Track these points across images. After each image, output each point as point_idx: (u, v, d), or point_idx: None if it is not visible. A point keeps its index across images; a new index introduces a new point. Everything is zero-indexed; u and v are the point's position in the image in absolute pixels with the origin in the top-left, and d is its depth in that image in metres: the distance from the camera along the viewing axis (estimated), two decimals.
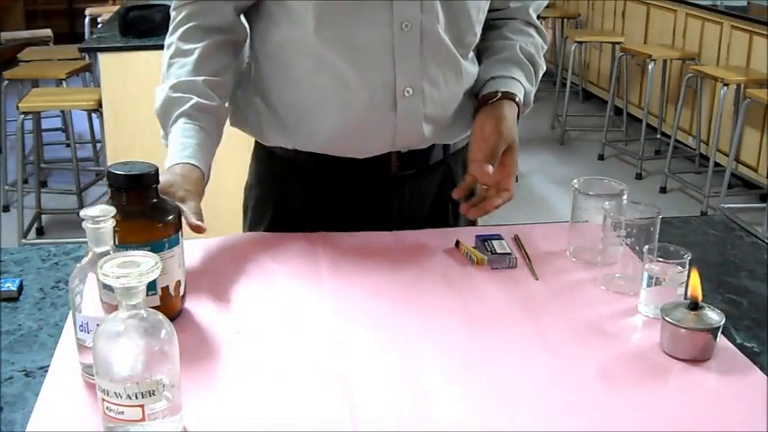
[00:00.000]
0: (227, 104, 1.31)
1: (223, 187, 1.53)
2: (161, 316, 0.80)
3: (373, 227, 1.33)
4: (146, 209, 1.00)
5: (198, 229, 1.09)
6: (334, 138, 1.31)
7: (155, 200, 1.01)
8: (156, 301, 1.00)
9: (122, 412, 0.77)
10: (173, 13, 1.32)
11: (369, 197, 1.38)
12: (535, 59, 1.40)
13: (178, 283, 1.03)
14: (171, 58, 1.29)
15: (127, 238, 0.95)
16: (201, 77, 1.26)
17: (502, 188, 1.30)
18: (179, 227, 1.03)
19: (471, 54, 1.37)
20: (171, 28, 1.31)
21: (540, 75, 1.43)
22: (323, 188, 1.38)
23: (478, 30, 1.35)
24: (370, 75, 1.27)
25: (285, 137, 1.34)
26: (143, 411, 0.77)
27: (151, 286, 0.98)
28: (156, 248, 0.98)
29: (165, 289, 1.01)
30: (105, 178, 1.01)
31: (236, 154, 1.58)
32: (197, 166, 1.19)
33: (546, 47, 1.45)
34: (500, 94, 1.33)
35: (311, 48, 1.26)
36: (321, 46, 1.25)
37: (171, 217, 1.02)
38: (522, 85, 1.37)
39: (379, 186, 1.38)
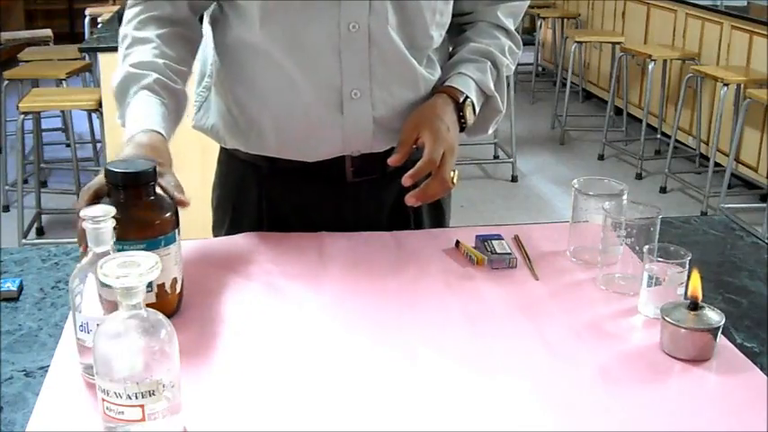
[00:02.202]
0: (186, 91, 1.27)
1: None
2: (161, 316, 0.80)
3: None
4: (143, 206, 1.01)
5: (182, 204, 1.04)
6: (283, 139, 1.29)
7: (152, 197, 1.02)
8: (153, 298, 1.00)
9: (122, 412, 0.77)
10: (127, 11, 1.29)
11: (324, 204, 1.35)
12: (493, 55, 1.35)
13: (174, 280, 1.04)
14: (128, 48, 1.25)
15: (123, 235, 0.95)
16: (162, 60, 1.22)
17: (436, 176, 1.23)
18: (176, 224, 1.03)
19: (430, 59, 1.32)
20: (125, 21, 1.28)
21: (504, 71, 1.37)
22: (278, 193, 1.36)
23: (435, 33, 1.30)
24: (315, 75, 1.24)
25: (240, 140, 1.33)
26: (143, 411, 0.77)
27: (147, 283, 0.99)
28: (153, 246, 0.98)
29: (161, 286, 1.02)
30: (104, 176, 1.01)
31: None
32: (163, 135, 1.15)
33: (518, 51, 1.40)
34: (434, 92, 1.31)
35: (259, 47, 1.24)
36: (268, 45, 1.23)
37: (168, 214, 1.02)
38: (467, 76, 1.32)
39: (334, 193, 1.35)
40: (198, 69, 1.39)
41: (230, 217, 1.41)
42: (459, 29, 1.39)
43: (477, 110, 1.34)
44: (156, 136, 1.13)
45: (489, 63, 1.35)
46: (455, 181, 1.24)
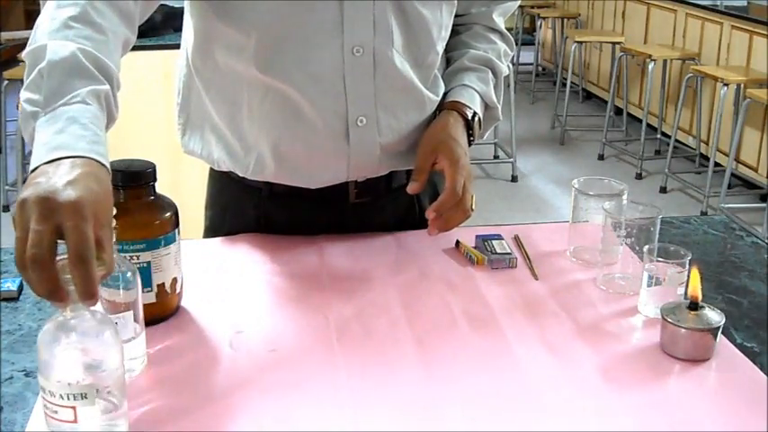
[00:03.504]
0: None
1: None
2: (107, 318, 0.79)
3: None
4: (143, 206, 1.01)
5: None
6: (284, 168, 1.24)
7: (152, 197, 1.02)
8: (152, 297, 1.01)
9: (56, 412, 0.76)
10: None
11: (326, 224, 1.31)
12: (493, 63, 1.33)
13: (174, 280, 1.04)
14: (73, 20, 0.96)
15: (123, 235, 0.95)
16: (113, 63, 0.97)
17: (459, 206, 1.20)
18: (176, 224, 1.03)
19: (434, 77, 1.29)
20: None
21: (502, 78, 1.36)
22: (278, 215, 1.31)
23: (441, 47, 1.27)
24: (320, 104, 1.18)
25: (238, 165, 1.27)
26: (75, 413, 0.76)
27: (147, 283, 0.99)
28: (152, 246, 0.99)
29: (161, 286, 1.02)
30: None
31: None
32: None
33: (511, 53, 1.39)
34: (442, 108, 1.28)
35: (256, 76, 1.18)
36: (267, 74, 1.17)
37: (168, 214, 1.02)
38: (472, 89, 1.30)
39: (337, 214, 1.31)
40: (174, 86, 1.32)
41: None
42: (452, 30, 1.36)
43: (483, 123, 1.32)
44: (105, 174, 0.85)
45: (490, 72, 1.34)
46: (473, 207, 1.22)
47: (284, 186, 1.27)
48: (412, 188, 1.22)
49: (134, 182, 1.00)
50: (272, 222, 1.32)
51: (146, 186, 1.01)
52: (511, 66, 1.43)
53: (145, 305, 0.95)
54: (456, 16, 1.33)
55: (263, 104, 1.20)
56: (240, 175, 1.28)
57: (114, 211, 0.87)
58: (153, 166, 1.02)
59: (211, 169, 1.37)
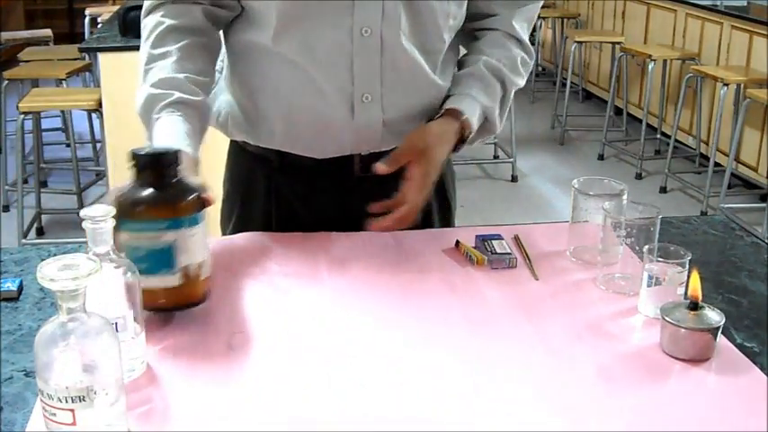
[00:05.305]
0: (208, 101, 1.30)
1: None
2: (104, 321, 0.79)
3: (337, 227, 1.30)
4: (167, 187, 1.01)
5: (206, 202, 1.04)
6: (292, 135, 1.32)
7: (176, 179, 1.02)
8: (176, 280, 0.99)
9: (55, 414, 0.76)
10: (143, 21, 1.30)
11: (331, 196, 1.37)
12: (503, 74, 1.35)
13: (200, 264, 1.02)
14: (146, 64, 1.26)
15: (146, 214, 0.96)
16: (183, 75, 1.24)
17: (404, 201, 1.24)
18: (201, 206, 1.02)
19: (443, 63, 1.33)
20: (144, 35, 1.29)
21: (512, 90, 1.38)
22: (286, 185, 1.38)
23: (447, 36, 1.31)
24: (328, 79, 1.26)
25: (247, 133, 1.35)
26: (74, 416, 0.76)
27: (170, 264, 0.98)
28: (175, 225, 0.99)
29: (186, 269, 1.00)
30: (129, 160, 1.01)
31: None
32: (188, 152, 1.16)
33: (530, 62, 1.40)
34: (442, 111, 1.31)
35: (272, 50, 1.26)
36: (281, 48, 1.25)
37: (192, 196, 1.01)
38: (477, 101, 1.32)
39: (343, 186, 1.36)
40: None
41: (238, 209, 1.42)
42: (471, 34, 1.39)
43: (474, 135, 1.35)
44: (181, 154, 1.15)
45: (499, 84, 1.35)
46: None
47: (293, 157, 1.33)
48: (380, 168, 1.25)
49: (157, 163, 1.00)
50: (280, 193, 1.38)
51: (168, 168, 1.01)
52: None
53: (169, 289, 0.94)
54: (476, 20, 1.36)
55: (277, 76, 1.28)
56: (252, 143, 1.36)
57: (113, 211, 0.87)
58: (176, 150, 1.03)
59: (229, 145, 1.45)
